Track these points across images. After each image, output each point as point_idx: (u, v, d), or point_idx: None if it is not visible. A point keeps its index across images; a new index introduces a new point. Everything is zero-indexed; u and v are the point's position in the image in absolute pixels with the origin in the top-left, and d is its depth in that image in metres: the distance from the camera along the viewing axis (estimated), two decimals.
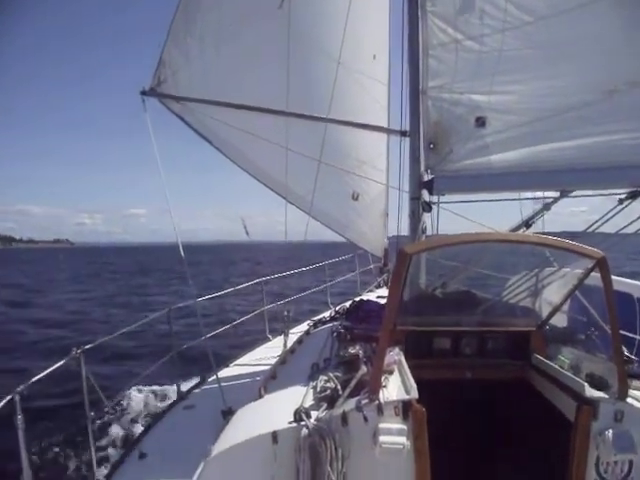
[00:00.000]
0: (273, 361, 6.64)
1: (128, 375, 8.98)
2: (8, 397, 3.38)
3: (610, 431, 2.83)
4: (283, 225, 6.27)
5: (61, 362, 4.06)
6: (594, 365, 3.35)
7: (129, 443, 4.76)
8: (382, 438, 2.66)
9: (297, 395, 3.26)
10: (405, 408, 2.75)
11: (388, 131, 6.61)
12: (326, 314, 6.13)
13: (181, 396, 5.72)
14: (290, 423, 2.82)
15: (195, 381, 6.30)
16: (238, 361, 6.99)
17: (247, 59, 6.47)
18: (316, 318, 6.23)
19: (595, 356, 3.57)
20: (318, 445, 2.70)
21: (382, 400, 2.76)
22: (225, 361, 6.93)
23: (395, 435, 2.67)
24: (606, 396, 2.95)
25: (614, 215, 4.73)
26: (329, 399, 3.00)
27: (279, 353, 7.05)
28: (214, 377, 6.21)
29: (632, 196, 4.61)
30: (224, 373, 5.75)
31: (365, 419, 2.71)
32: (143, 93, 5.60)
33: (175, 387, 5.91)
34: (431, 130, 5.61)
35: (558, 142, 5.02)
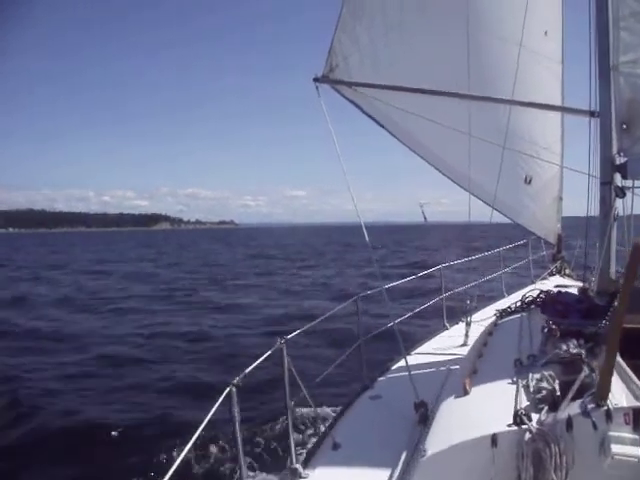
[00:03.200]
0: (456, 351, 6.61)
1: (319, 363, 9.38)
2: (226, 390, 3.46)
3: None
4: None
5: (269, 352, 4.16)
6: None
7: (321, 432, 4.90)
8: (615, 448, 2.47)
9: (506, 394, 3.18)
10: (636, 416, 2.56)
11: (575, 111, 6.19)
12: (510, 303, 5.90)
13: (366, 385, 5.82)
14: (510, 426, 2.74)
15: (378, 370, 6.36)
16: (418, 350, 6.98)
17: (417, 43, 6.41)
18: (500, 308, 6.02)
19: None
20: (542, 451, 2.59)
21: (611, 406, 2.60)
22: (405, 350, 6.97)
23: (629, 445, 2.48)
24: None
25: None
26: (550, 401, 2.89)
27: (460, 343, 7.01)
28: (397, 366, 6.28)
29: None
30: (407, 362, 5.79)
31: (594, 426, 2.55)
32: (316, 80, 5.70)
33: (361, 376, 6.01)
34: (624, 109, 5.19)
35: None
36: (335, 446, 4.36)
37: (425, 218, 6.41)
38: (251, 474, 6.90)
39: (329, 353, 11.95)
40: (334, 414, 5.54)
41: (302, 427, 8.21)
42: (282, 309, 22.41)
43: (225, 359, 13.85)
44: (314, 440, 4.96)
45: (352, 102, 6.10)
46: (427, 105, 6.38)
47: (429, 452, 2.88)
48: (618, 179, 5.32)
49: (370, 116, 6.26)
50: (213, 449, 7.39)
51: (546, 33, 7.89)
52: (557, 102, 8.15)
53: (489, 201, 7.29)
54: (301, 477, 3.95)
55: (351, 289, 24.79)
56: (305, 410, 8.19)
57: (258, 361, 4.03)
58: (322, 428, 5.08)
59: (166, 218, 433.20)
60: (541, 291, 5.54)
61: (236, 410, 3.47)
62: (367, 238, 5.30)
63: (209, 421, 3.29)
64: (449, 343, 7.10)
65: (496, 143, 6.70)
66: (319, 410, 8.03)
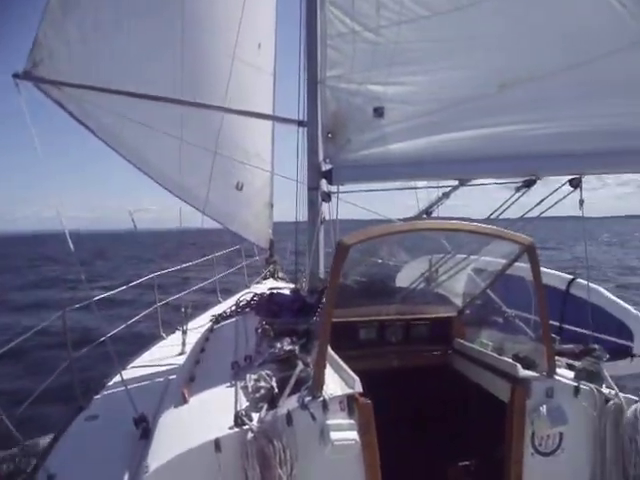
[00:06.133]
0: (174, 360, 6.32)
1: (25, 389, 8.04)
2: None
3: (544, 407, 3.00)
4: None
5: None
6: (518, 346, 3.54)
7: (33, 464, 4.19)
8: (334, 435, 2.57)
9: (226, 397, 3.10)
10: (350, 402, 2.71)
11: (285, 120, 6.48)
12: (225, 308, 5.87)
13: (81, 406, 5.17)
14: (231, 428, 2.64)
15: (93, 388, 5.71)
16: (135, 363, 6.48)
17: (131, 45, 6.13)
18: (216, 313, 5.95)
19: (516, 337, 3.77)
20: (265, 448, 2.56)
21: (326, 396, 2.70)
22: (121, 364, 6.40)
23: (346, 431, 2.61)
24: (537, 374, 3.14)
25: (513, 203, 4.99)
26: (268, 399, 2.86)
27: (177, 352, 6.72)
28: (113, 382, 5.73)
29: (527, 184, 4.89)
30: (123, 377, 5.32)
31: (313, 417, 2.63)
32: (16, 76, 5.05)
33: (73, 397, 5.33)
34: (329, 120, 5.57)
35: (454, 133, 5.13)
36: (50, 478, 3.75)
37: (135, 226, 6.09)
38: None
39: (35, 377, 10.48)
40: (47, 443, 4.77)
41: (10, 465, 6.92)
42: None
43: None
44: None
45: (58, 104, 5.54)
46: (140, 108, 6.16)
47: (152, 467, 2.59)
48: (324, 185, 5.71)
49: (79, 120, 5.78)
50: None
51: (260, 46, 8.20)
52: (269, 111, 8.53)
53: (200, 207, 7.24)
54: None
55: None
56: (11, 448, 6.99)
57: None
58: (34, 461, 4.34)
59: None
60: (255, 294, 5.65)
61: None
62: (72, 247, 4.71)
63: None
64: (166, 353, 6.78)
65: (207, 149, 6.71)
66: (28, 443, 6.93)
